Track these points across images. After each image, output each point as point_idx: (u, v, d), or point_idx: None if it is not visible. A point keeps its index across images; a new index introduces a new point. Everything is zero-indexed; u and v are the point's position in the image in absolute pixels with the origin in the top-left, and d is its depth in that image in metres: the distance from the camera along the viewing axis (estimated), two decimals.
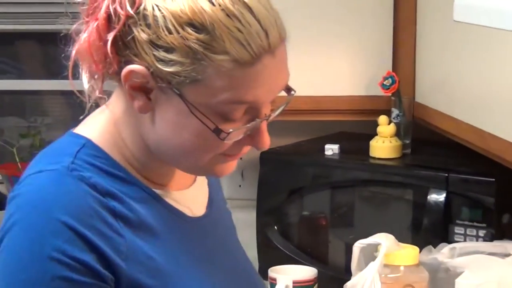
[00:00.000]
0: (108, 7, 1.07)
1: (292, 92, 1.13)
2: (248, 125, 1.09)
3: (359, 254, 1.75)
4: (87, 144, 1.13)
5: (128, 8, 1.06)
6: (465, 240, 1.94)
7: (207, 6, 1.04)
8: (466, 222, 1.95)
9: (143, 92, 1.08)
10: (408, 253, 1.74)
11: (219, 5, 1.04)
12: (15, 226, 1.06)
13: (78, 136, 1.14)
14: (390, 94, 2.22)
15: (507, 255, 1.78)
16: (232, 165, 1.16)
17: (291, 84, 1.13)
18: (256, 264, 2.21)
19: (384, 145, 2.17)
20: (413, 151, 2.22)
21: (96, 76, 1.12)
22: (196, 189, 1.23)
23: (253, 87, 1.06)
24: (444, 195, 1.97)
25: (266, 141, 1.12)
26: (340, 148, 2.22)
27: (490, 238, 1.91)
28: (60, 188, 1.07)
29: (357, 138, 2.32)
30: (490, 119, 1.79)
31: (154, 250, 1.11)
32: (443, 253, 1.82)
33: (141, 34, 1.06)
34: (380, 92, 2.22)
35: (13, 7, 2.81)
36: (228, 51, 1.04)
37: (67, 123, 2.86)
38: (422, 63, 2.22)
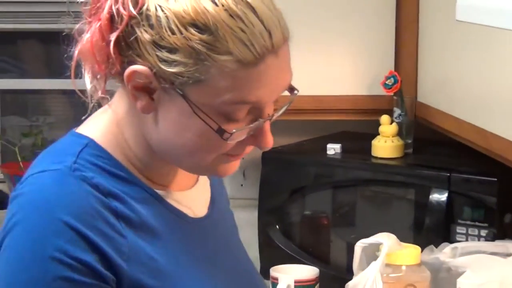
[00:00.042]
0: (111, 7, 1.07)
1: (295, 92, 1.13)
2: (251, 125, 1.09)
3: (361, 253, 1.75)
4: (90, 144, 1.13)
5: (131, 8, 1.06)
6: (467, 240, 1.94)
7: (210, 7, 1.03)
8: (468, 222, 1.95)
9: (146, 92, 1.08)
10: (410, 253, 1.74)
11: (222, 5, 1.03)
12: (17, 226, 1.06)
13: (81, 136, 1.14)
14: (392, 94, 2.22)
15: (509, 254, 1.78)
16: (235, 165, 1.15)
17: (293, 83, 1.13)
18: (258, 264, 2.21)
19: (386, 144, 2.17)
20: (415, 150, 2.22)
21: (98, 76, 1.12)
22: (198, 190, 1.23)
23: (256, 87, 1.06)
24: (446, 194, 1.97)
25: (269, 141, 1.11)
26: (342, 148, 2.22)
27: (492, 237, 1.91)
28: (63, 188, 1.07)
29: (359, 137, 2.32)
30: (492, 119, 1.79)
31: (156, 250, 1.11)
32: (445, 253, 1.82)
33: (144, 35, 1.05)
34: (382, 91, 2.22)
35: (15, 6, 2.81)
36: (232, 52, 1.04)
37: (69, 122, 2.86)
38: (424, 62, 2.22)
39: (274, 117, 1.11)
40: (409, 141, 2.21)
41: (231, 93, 1.05)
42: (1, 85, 2.87)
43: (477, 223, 1.94)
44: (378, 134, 2.19)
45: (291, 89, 1.13)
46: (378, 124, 2.19)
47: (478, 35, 1.82)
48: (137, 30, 1.06)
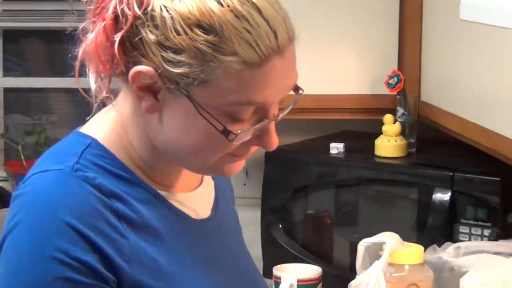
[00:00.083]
0: (115, 7, 1.07)
1: (300, 92, 1.13)
2: (256, 126, 1.09)
3: (363, 253, 1.75)
4: (93, 144, 1.13)
5: (136, 9, 1.05)
6: (470, 240, 1.94)
7: (215, 7, 1.03)
8: (471, 221, 1.95)
9: (151, 92, 1.08)
10: (413, 252, 1.73)
11: (228, 6, 1.03)
12: (18, 226, 1.06)
13: (84, 136, 1.14)
14: (395, 93, 2.22)
15: None
16: (239, 165, 1.15)
17: (297, 82, 1.12)
18: (260, 263, 2.21)
19: (389, 144, 2.17)
20: (418, 150, 2.22)
21: (102, 75, 1.12)
22: (202, 191, 1.23)
23: (261, 88, 1.05)
24: (449, 194, 1.97)
25: (274, 142, 1.11)
26: (345, 147, 2.22)
27: (495, 237, 1.91)
28: (64, 189, 1.07)
29: (362, 136, 2.32)
30: (495, 118, 1.79)
31: (157, 251, 1.11)
32: (448, 252, 1.82)
33: (149, 35, 1.05)
34: (385, 91, 2.22)
35: (19, 5, 2.81)
36: (237, 52, 1.03)
37: (72, 121, 2.87)
38: (428, 62, 2.22)
39: (280, 118, 1.11)
40: (412, 141, 2.21)
41: (237, 94, 1.05)
42: (5, 83, 2.87)
43: (480, 223, 1.94)
44: (381, 133, 2.19)
45: (296, 88, 1.12)
46: (381, 123, 2.19)
47: (482, 34, 1.82)
48: (142, 30, 1.05)
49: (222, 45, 1.03)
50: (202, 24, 1.03)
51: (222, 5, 1.03)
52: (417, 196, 2.05)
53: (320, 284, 2.00)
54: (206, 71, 1.04)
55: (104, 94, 1.13)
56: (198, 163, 1.13)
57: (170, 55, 1.04)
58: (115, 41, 1.07)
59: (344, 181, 2.17)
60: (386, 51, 2.28)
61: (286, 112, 1.12)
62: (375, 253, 1.74)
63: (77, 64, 1.11)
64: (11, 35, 2.87)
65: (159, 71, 1.05)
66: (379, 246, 1.73)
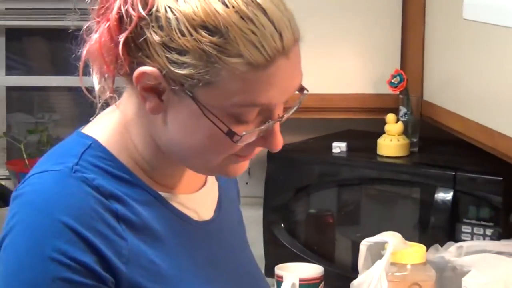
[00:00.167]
0: (120, 8, 1.06)
1: (305, 92, 1.12)
2: (261, 127, 1.08)
3: (366, 252, 1.75)
4: (93, 145, 1.12)
5: (140, 9, 1.05)
6: (472, 239, 1.94)
7: (220, 8, 1.02)
8: (473, 221, 1.95)
9: (155, 93, 1.07)
10: (415, 252, 1.74)
11: (233, 7, 1.02)
12: (16, 226, 1.06)
13: (85, 136, 1.14)
14: (398, 92, 2.22)
15: None
16: (244, 165, 1.15)
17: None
18: (262, 262, 2.21)
19: (391, 143, 2.17)
20: (421, 149, 2.22)
21: (106, 76, 1.11)
22: (205, 192, 1.22)
23: (266, 89, 1.05)
24: (451, 193, 1.97)
25: (279, 142, 1.11)
26: (348, 146, 2.22)
27: (497, 237, 1.92)
28: (62, 189, 1.07)
29: (364, 136, 2.32)
30: (498, 118, 1.79)
31: (157, 254, 1.10)
32: (450, 252, 1.82)
33: (154, 36, 1.04)
34: (388, 90, 2.22)
35: (21, 3, 2.81)
36: (242, 54, 1.03)
37: (74, 120, 2.87)
38: (430, 61, 2.22)
39: (284, 118, 1.10)
40: (415, 140, 2.21)
41: (241, 95, 1.05)
42: (7, 82, 2.87)
43: (482, 222, 1.94)
44: (384, 132, 2.19)
45: (301, 88, 1.12)
46: (384, 122, 2.19)
47: (485, 34, 1.82)
48: (146, 31, 1.05)
49: (227, 47, 1.03)
50: (207, 25, 1.03)
51: (227, 6, 1.03)
52: (419, 195, 2.05)
53: (322, 283, 2.00)
54: (211, 73, 1.04)
55: (107, 94, 1.12)
56: (202, 164, 1.12)
57: (174, 56, 1.04)
58: (119, 41, 1.06)
59: (346, 180, 2.17)
60: (389, 50, 2.28)
61: (291, 112, 1.12)
62: (377, 253, 1.74)
63: (80, 64, 1.11)
64: (14, 34, 2.87)
65: (164, 72, 1.05)
66: (381, 246, 1.73)
